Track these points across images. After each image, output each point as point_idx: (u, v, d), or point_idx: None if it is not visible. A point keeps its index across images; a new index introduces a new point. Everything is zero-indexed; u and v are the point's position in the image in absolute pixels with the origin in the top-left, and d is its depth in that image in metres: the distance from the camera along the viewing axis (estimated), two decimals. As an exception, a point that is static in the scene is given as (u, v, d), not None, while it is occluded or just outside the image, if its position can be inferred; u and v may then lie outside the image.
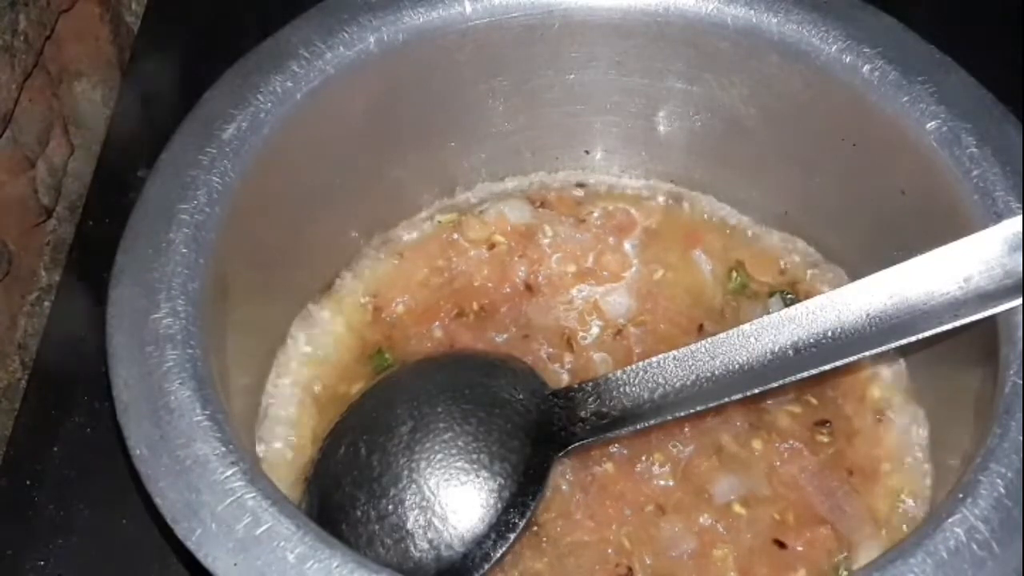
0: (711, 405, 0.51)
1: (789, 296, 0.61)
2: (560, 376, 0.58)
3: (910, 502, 0.55)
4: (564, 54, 0.61)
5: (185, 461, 0.44)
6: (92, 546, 0.57)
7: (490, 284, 0.61)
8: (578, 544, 0.53)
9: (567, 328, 0.60)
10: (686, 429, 0.56)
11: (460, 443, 0.52)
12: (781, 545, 0.53)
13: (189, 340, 0.47)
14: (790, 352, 0.50)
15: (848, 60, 0.56)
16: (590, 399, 0.53)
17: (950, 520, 0.43)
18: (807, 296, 0.58)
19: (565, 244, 0.63)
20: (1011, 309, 0.48)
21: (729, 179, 0.64)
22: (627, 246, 0.63)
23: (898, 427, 0.57)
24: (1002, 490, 0.44)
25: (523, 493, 0.52)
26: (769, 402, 0.57)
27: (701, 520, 0.53)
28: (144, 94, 0.74)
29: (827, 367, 0.50)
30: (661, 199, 0.65)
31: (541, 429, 0.53)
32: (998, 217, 0.50)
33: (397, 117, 0.60)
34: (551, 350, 0.59)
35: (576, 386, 0.55)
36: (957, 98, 0.54)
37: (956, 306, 0.48)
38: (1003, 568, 0.42)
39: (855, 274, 0.60)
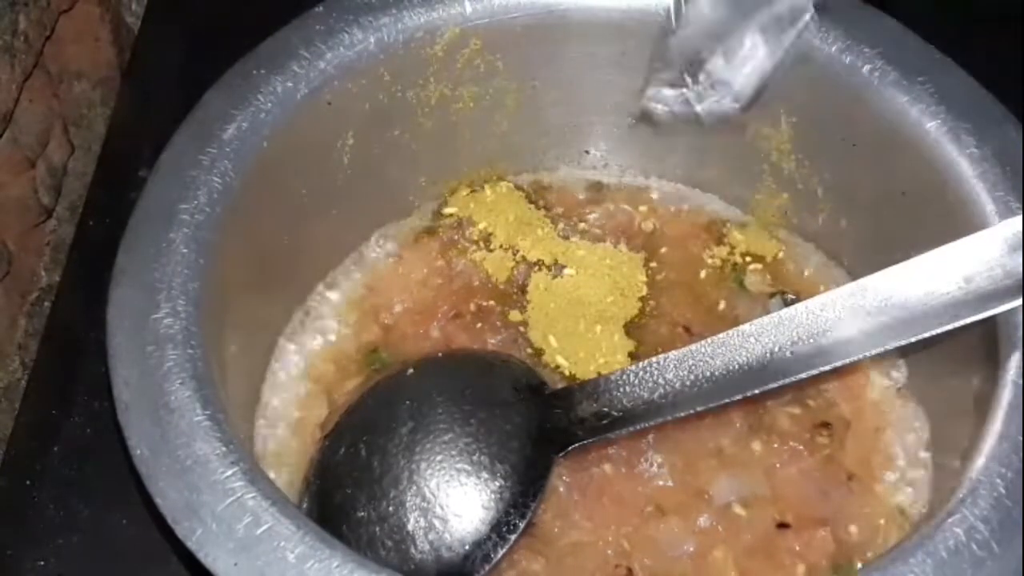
0: (711, 406, 0.51)
1: (789, 296, 0.61)
2: (559, 377, 0.58)
3: (910, 502, 0.55)
4: (564, 54, 0.61)
5: (185, 461, 0.44)
6: (92, 546, 0.57)
7: (489, 285, 0.61)
8: (577, 545, 0.53)
9: (566, 329, 0.60)
10: (686, 430, 0.55)
11: (461, 444, 0.52)
12: (780, 546, 0.53)
13: (189, 340, 0.47)
14: (790, 353, 0.50)
15: (848, 60, 0.56)
16: (590, 399, 0.53)
17: (950, 520, 0.43)
18: (807, 296, 0.58)
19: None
20: (1011, 309, 0.48)
21: (729, 179, 0.64)
22: (627, 245, 0.63)
23: (898, 428, 0.57)
24: (1002, 490, 0.44)
25: (523, 494, 0.52)
26: (769, 403, 0.57)
27: (700, 521, 0.53)
28: (144, 94, 0.74)
29: (827, 368, 0.50)
30: (661, 199, 0.65)
31: (541, 430, 0.53)
32: (998, 217, 0.50)
33: (397, 117, 0.60)
34: (550, 351, 0.59)
35: (576, 386, 0.55)
36: (957, 98, 0.54)
37: (956, 307, 0.48)
38: (1003, 568, 0.42)
39: (855, 274, 0.60)
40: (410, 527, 0.51)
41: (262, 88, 0.54)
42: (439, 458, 0.52)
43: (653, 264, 0.63)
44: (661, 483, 0.55)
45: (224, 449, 0.45)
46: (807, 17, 0.51)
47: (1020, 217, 0.48)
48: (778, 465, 0.55)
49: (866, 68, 0.55)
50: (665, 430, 0.55)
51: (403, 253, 0.63)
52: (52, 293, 0.67)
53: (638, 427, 0.52)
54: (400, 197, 0.64)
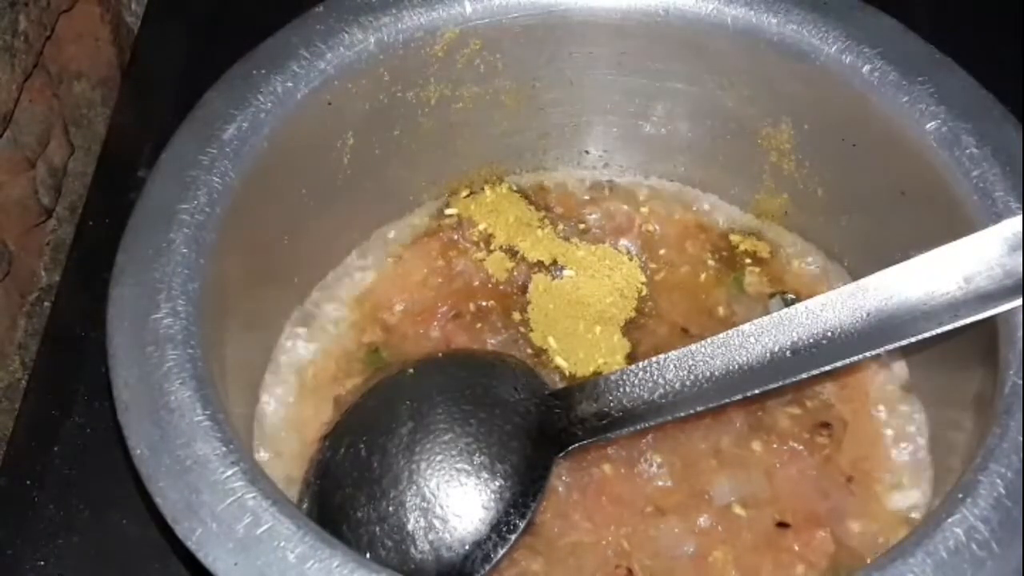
0: (711, 406, 0.51)
1: (789, 296, 0.61)
2: (558, 377, 0.58)
3: (910, 503, 0.55)
4: (564, 54, 0.61)
5: (185, 461, 0.44)
6: (92, 546, 0.57)
7: (489, 285, 0.61)
8: (577, 545, 0.53)
9: (566, 329, 0.60)
10: (685, 430, 0.55)
11: (461, 444, 0.52)
12: (780, 546, 0.53)
13: (189, 340, 0.47)
14: (789, 353, 0.50)
15: (848, 60, 0.56)
16: (589, 400, 0.53)
17: (950, 520, 0.43)
18: (807, 296, 0.58)
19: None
20: (1011, 309, 0.48)
21: (729, 179, 0.64)
22: (627, 246, 0.63)
23: (898, 428, 0.57)
24: (1002, 490, 0.44)
25: (523, 494, 0.52)
26: (768, 403, 0.57)
27: (700, 521, 0.53)
28: (144, 94, 0.74)
29: (827, 368, 0.50)
30: (661, 199, 0.65)
31: (541, 430, 0.53)
32: (998, 217, 0.50)
33: (397, 117, 0.60)
34: (549, 351, 0.59)
35: (576, 387, 0.55)
36: (957, 98, 0.54)
37: (956, 306, 0.48)
38: (1003, 568, 0.42)
39: (855, 274, 0.60)
40: (410, 527, 0.51)
41: (262, 88, 0.54)
42: (439, 458, 0.52)
43: (652, 265, 0.63)
44: (661, 483, 0.55)
45: (224, 449, 0.45)
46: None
47: (1020, 217, 0.48)
48: (778, 465, 0.55)
49: (866, 68, 0.55)
50: (665, 430, 0.55)
51: (403, 253, 0.63)
52: (52, 293, 0.67)
53: (638, 427, 0.52)
54: (400, 197, 0.64)
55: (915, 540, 0.43)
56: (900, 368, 0.58)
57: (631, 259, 0.62)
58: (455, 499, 0.51)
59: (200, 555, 0.43)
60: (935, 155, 0.53)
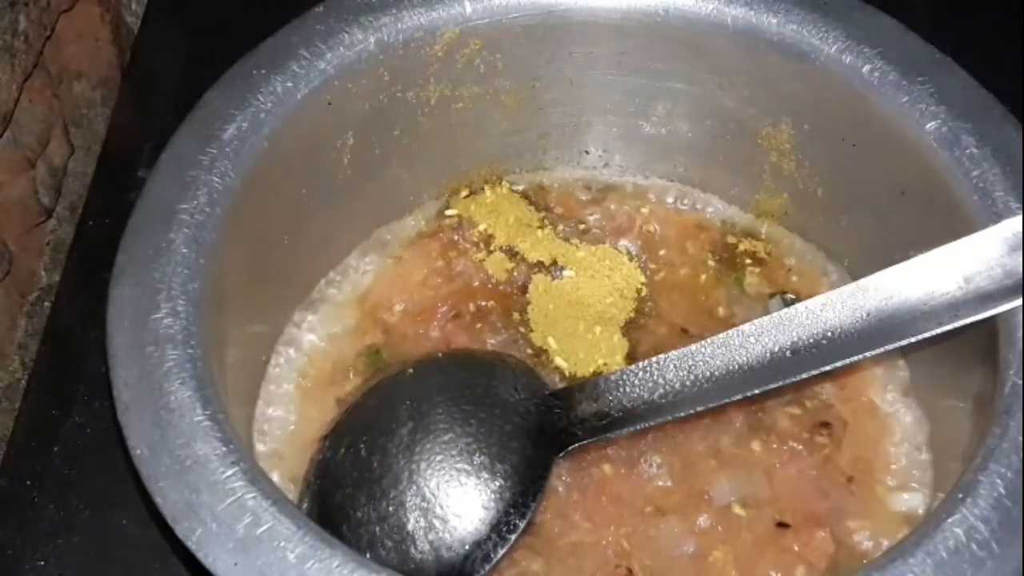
0: (711, 406, 0.51)
1: (789, 296, 0.61)
2: (558, 377, 0.58)
3: (910, 503, 0.55)
4: (564, 54, 0.61)
5: (185, 461, 0.44)
6: (92, 546, 0.57)
7: (489, 285, 0.61)
8: (577, 545, 0.53)
9: (566, 329, 0.60)
10: (685, 430, 0.55)
11: (461, 444, 0.52)
12: (780, 546, 0.53)
13: (189, 340, 0.47)
14: (789, 353, 0.50)
15: (848, 60, 0.56)
16: (589, 400, 0.53)
17: (950, 520, 0.43)
18: (807, 296, 0.58)
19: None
20: (1011, 309, 0.48)
21: (729, 179, 0.64)
22: (627, 246, 0.63)
23: (898, 428, 0.57)
24: (1002, 490, 0.44)
25: (523, 494, 0.52)
26: (768, 403, 0.57)
27: (700, 521, 0.53)
28: (144, 94, 0.74)
29: (827, 368, 0.50)
30: (661, 199, 0.65)
31: (541, 430, 0.53)
32: (998, 217, 0.50)
33: (397, 117, 0.60)
34: (550, 351, 0.59)
35: (576, 387, 0.55)
36: (957, 98, 0.54)
37: (956, 306, 0.48)
38: (1003, 568, 0.42)
39: (855, 274, 0.60)
40: (410, 527, 0.51)
41: (262, 88, 0.54)
42: (439, 458, 0.52)
43: (652, 265, 0.63)
44: (661, 483, 0.55)
45: (224, 449, 0.45)
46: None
47: (1020, 217, 0.48)
48: (778, 465, 0.55)
49: (866, 68, 0.55)
50: (665, 430, 0.55)
51: (403, 253, 0.63)
52: (52, 293, 0.67)
53: (638, 427, 0.52)
54: (400, 197, 0.64)
55: (915, 540, 0.43)
56: (900, 368, 0.58)
57: (631, 259, 0.62)
58: (455, 499, 0.51)
59: (200, 555, 0.43)
60: (935, 155, 0.53)
